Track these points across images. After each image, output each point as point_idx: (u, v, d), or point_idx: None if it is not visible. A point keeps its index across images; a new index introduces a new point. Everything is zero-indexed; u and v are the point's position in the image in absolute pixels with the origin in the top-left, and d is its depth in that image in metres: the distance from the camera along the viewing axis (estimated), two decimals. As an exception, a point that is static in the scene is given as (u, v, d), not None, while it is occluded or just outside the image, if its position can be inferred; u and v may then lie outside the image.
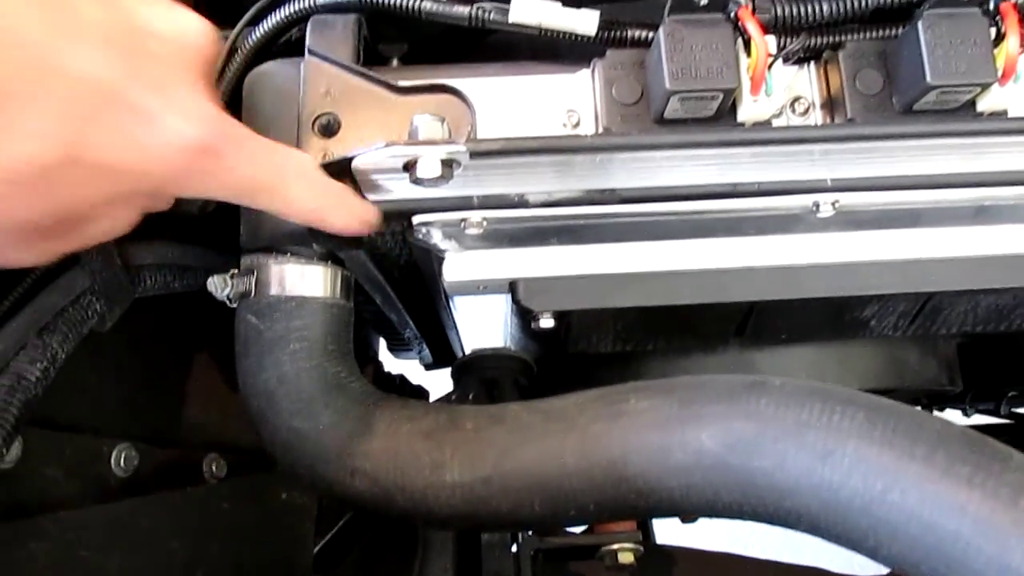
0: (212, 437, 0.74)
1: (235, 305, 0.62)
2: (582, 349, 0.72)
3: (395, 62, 0.65)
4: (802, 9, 0.57)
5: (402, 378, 1.09)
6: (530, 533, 0.74)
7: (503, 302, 0.68)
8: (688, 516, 0.56)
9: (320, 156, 0.57)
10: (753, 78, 0.54)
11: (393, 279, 0.73)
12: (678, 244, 0.62)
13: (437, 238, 0.60)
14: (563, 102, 0.59)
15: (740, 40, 0.54)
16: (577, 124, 0.58)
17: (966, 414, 1.09)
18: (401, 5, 0.58)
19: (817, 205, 0.58)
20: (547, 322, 0.62)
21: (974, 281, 0.62)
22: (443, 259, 0.61)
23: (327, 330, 0.61)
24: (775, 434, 0.47)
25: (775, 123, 0.58)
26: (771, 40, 0.54)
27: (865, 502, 0.44)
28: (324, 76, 0.59)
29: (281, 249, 0.62)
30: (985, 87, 0.55)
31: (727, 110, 0.56)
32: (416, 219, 0.59)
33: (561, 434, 0.53)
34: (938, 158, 0.58)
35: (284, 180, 0.51)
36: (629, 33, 0.58)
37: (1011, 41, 0.53)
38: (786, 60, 0.57)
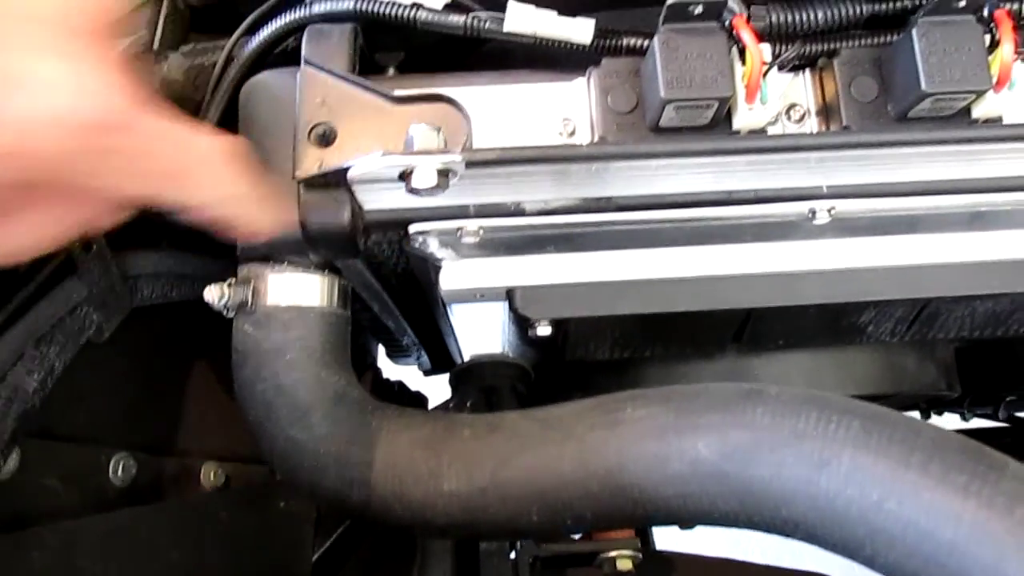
0: (210, 446, 0.74)
1: (232, 315, 0.62)
2: (580, 356, 0.72)
3: (391, 71, 0.65)
4: (797, 17, 0.57)
5: (401, 384, 1.09)
6: (528, 540, 0.74)
7: (501, 308, 0.68)
8: (686, 523, 0.56)
9: (316, 166, 0.57)
10: (748, 86, 0.54)
11: (390, 287, 0.73)
12: (675, 251, 0.62)
13: (434, 247, 0.60)
14: (559, 111, 0.59)
15: (735, 48, 0.54)
16: (573, 133, 0.58)
17: (964, 418, 1.09)
18: (396, 15, 0.58)
19: (813, 212, 0.59)
20: (544, 330, 0.62)
21: (970, 287, 0.62)
22: (440, 268, 0.61)
23: (324, 340, 0.61)
24: (772, 443, 0.47)
25: (771, 130, 0.58)
26: (766, 48, 0.54)
27: (862, 511, 0.44)
28: (320, 85, 0.59)
29: (278, 258, 0.62)
30: (980, 94, 0.55)
31: (722, 118, 0.56)
32: (412, 228, 0.59)
33: (558, 443, 0.53)
34: (933, 165, 0.58)
35: (191, 165, 0.44)
36: (624, 41, 0.58)
37: (1005, 48, 0.53)
38: (781, 68, 0.57)
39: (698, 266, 0.62)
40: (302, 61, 0.60)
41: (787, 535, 0.48)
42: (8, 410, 0.51)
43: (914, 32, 0.54)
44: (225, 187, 0.46)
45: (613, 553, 0.73)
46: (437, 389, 1.05)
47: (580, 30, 0.57)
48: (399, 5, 0.58)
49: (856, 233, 0.61)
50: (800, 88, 0.60)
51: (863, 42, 0.58)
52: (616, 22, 0.59)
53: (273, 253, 0.61)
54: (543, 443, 0.53)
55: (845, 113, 0.57)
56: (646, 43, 0.57)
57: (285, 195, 0.53)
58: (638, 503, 0.50)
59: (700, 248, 0.62)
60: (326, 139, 0.58)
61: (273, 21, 0.62)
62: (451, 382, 0.83)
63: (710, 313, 0.63)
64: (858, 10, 0.58)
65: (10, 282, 0.55)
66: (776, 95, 0.56)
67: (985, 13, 0.54)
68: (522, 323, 0.63)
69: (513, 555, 0.73)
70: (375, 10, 0.59)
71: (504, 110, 0.59)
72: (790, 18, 0.57)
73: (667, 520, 0.53)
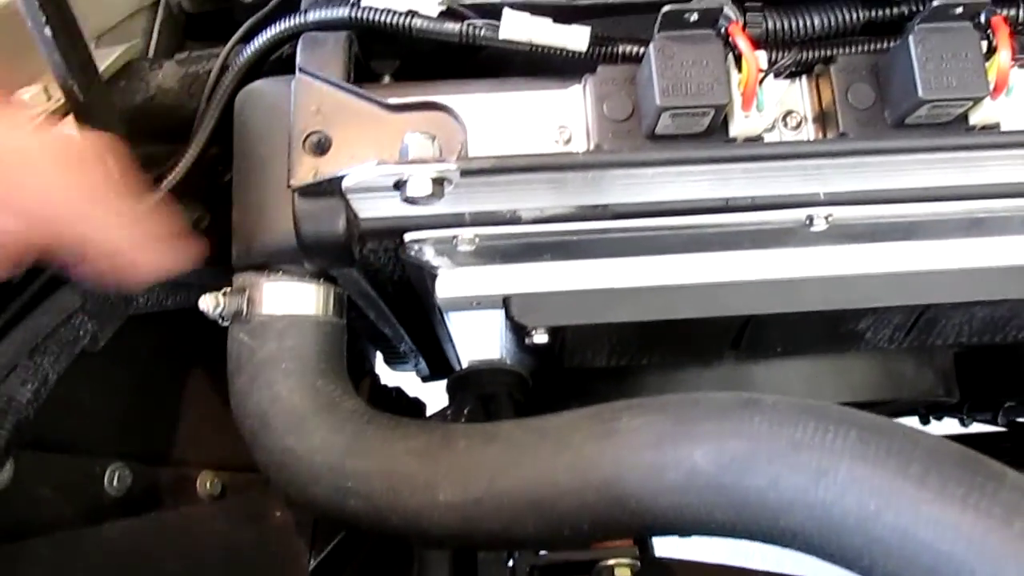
0: (206, 454, 0.74)
1: (228, 324, 0.61)
2: (578, 364, 0.72)
3: (387, 79, 0.64)
4: (793, 23, 0.57)
5: (398, 391, 1.09)
6: (526, 549, 0.74)
7: (499, 315, 0.68)
8: (684, 533, 0.56)
9: (311, 174, 0.57)
10: (744, 94, 0.54)
11: (387, 295, 0.73)
12: (672, 259, 0.62)
13: (429, 255, 0.60)
14: (555, 118, 0.59)
15: (731, 55, 0.54)
16: (569, 140, 0.58)
17: (964, 423, 1.09)
18: (391, 22, 0.58)
19: (811, 219, 0.58)
20: (541, 337, 0.62)
21: (969, 293, 0.62)
22: (436, 276, 0.61)
23: (320, 348, 0.60)
24: (769, 453, 0.47)
25: (767, 137, 0.58)
26: (762, 55, 0.54)
27: (859, 521, 0.44)
28: (315, 94, 0.58)
29: (274, 267, 0.61)
30: (977, 101, 0.55)
31: (719, 125, 0.56)
32: (408, 236, 0.58)
33: (554, 453, 0.52)
34: (931, 172, 0.58)
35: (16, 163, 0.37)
36: (620, 49, 0.58)
37: (1003, 54, 0.53)
38: (778, 75, 0.57)
39: (695, 273, 0.61)
40: (297, 69, 0.59)
41: (785, 546, 0.48)
42: (2, 421, 0.51)
43: (911, 39, 0.54)
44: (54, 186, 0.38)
45: (611, 561, 0.73)
46: (435, 395, 1.04)
47: (576, 38, 0.57)
48: (394, 13, 0.58)
49: (854, 240, 0.61)
50: (797, 95, 0.59)
51: (860, 49, 0.58)
52: (612, 29, 0.58)
53: (269, 261, 0.61)
54: (539, 453, 0.53)
55: (842, 120, 0.57)
56: (642, 50, 0.57)
57: (175, 230, 0.44)
58: (635, 513, 0.50)
59: (697, 255, 0.61)
60: (321, 147, 0.57)
61: (268, 29, 0.62)
62: (448, 390, 0.83)
63: (708, 320, 0.63)
64: (855, 16, 0.58)
65: (3, 292, 0.55)
66: (772, 102, 0.55)
67: (982, 19, 0.54)
68: (519, 331, 0.63)
69: (511, 563, 0.72)
70: (370, 18, 0.59)
71: (500, 118, 0.59)
72: (786, 24, 0.57)
73: (664, 530, 0.52)
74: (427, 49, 0.60)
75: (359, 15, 0.59)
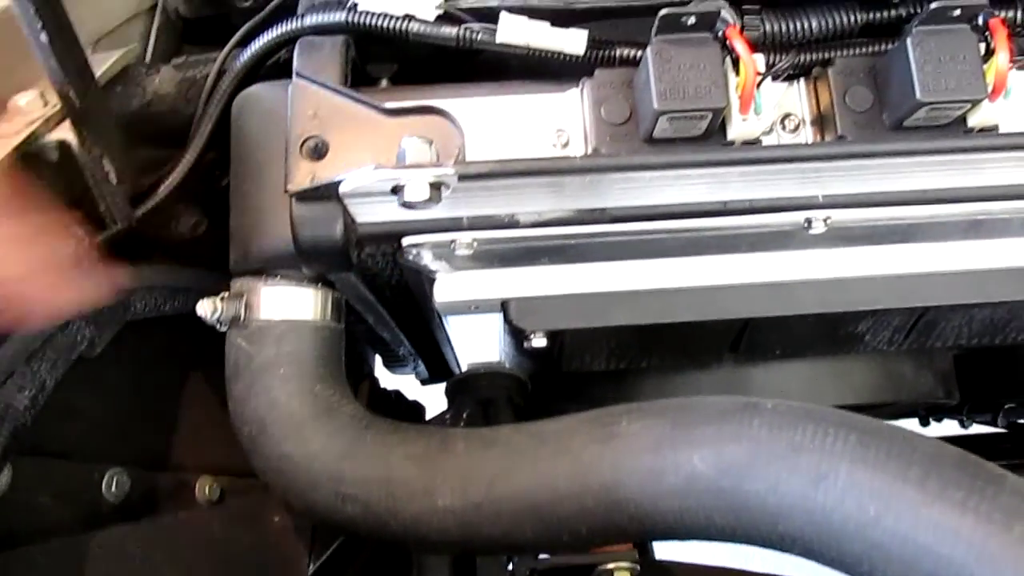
0: (205, 459, 0.73)
1: (225, 329, 0.61)
2: (576, 367, 0.71)
3: (384, 82, 0.64)
4: (791, 26, 0.57)
5: (398, 394, 1.09)
6: (525, 553, 0.73)
7: (497, 319, 0.68)
8: (683, 538, 0.56)
9: (308, 179, 0.57)
10: (742, 97, 0.54)
11: (385, 299, 0.72)
12: (670, 262, 0.61)
13: (427, 259, 0.60)
14: (552, 122, 0.59)
15: (728, 59, 0.54)
16: (567, 144, 0.58)
17: (964, 425, 1.08)
18: (388, 27, 0.58)
19: (809, 222, 0.58)
20: (540, 341, 0.62)
21: (967, 295, 0.62)
22: (434, 280, 0.61)
23: (318, 353, 0.60)
24: (768, 457, 0.47)
25: (765, 141, 0.58)
26: (759, 58, 0.54)
27: (859, 526, 0.44)
28: (312, 98, 0.58)
29: (271, 272, 0.61)
30: (975, 103, 0.55)
31: (716, 129, 0.56)
32: (406, 241, 0.58)
33: (553, 458, 0.52)
34: (929, 174, 0.57)
35: None
36: (617, 52, 0.58)
37: (1000, 57, 0.53)
38: (775, 78, 0.57)
39: (694, 276, 0.61)
40: (294, 73, 0.59)
41: (785, 550, 0.48)
42: (-1, 428, 0.51)
43: (909, 41, 0.54)
44: None
45: (611, 565, 0.73)
46: (435, 398, 1.04)
47: (573, 41, 0.57)
48: (391, 17, 0.58)
49: (852, 242, 0.61)
50: (794, 98, 0.59)
51: (858, 51, 0.58)
52: (609, 33, 0.58)
53: (266, 266, 0.61)
54: (538, 458, 0.53)
55: (840, 123, 0.57)
56: (639, 54, 0.56)
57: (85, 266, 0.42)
58: (634, 518, 0.50)
59: (696, 259, 0.61)
60: (318, 152, 0.57)
61: (265, 33, 0.62)
62: (447, 394, 0.83)
63: (706, 323, 0.62)
64: (852, 19, 0.58)
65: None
66: (770, 105, 0.55)
67: (980, 22, 0.54)
68: (518, 335, 0.63)
69: (510, 567, 0.72)
70: (367, 22, 0.59)
71: (497, 122, 0.58)
72: (784, 28, 0.57)
73: (663, 535, 0.52)
74: (424, 53, 0.60)
75: (356, 19, 0.59)
